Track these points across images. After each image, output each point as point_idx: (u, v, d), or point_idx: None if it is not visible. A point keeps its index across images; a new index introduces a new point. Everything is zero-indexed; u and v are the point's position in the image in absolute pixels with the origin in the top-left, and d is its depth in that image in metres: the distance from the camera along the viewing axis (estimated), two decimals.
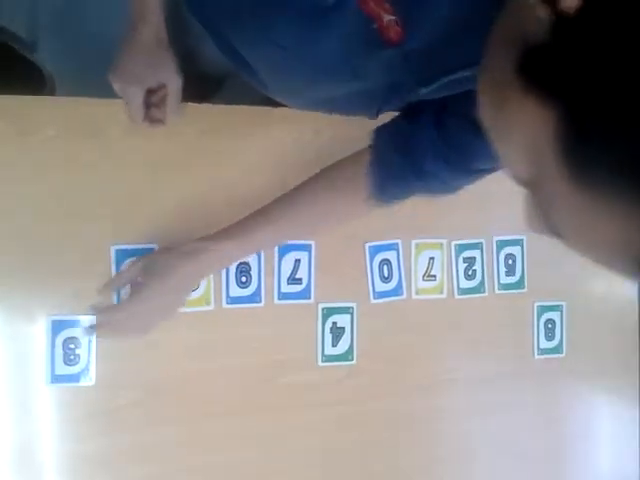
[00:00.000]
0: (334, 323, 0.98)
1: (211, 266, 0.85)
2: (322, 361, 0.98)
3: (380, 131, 0.77)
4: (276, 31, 0.67)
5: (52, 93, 1.22)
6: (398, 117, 0.76)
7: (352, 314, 0.99)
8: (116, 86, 0.83)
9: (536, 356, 1.12)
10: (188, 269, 0.80)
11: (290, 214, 0.83)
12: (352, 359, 1.00)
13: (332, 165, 0.84)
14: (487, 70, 0.41)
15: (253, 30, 0.70)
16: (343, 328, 0.99)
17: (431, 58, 0.60)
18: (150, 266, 0.81)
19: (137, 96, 0.83)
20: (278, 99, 0.88)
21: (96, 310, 0.85)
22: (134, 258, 0.87)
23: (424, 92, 0.64)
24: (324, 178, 0.84)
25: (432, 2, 0.54)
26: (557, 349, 1.13)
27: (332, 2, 0.58)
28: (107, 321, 0.83)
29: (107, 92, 0.88)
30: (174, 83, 0.83)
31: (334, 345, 0.98)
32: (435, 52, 0.59)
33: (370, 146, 0.78)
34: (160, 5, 0.78)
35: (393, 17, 0.57)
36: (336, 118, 0.96)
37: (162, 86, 0.84)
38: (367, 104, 0.75)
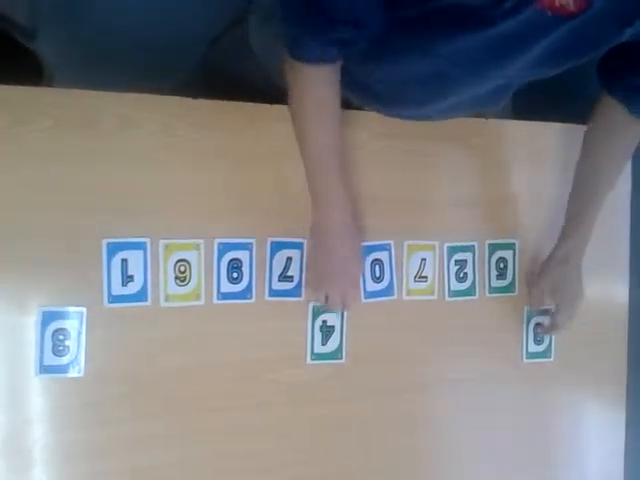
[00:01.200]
0: (324, 321, 0.99)
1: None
2: (311, 359, 0.98)
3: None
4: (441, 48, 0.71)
5: (50, 83, 1.22)
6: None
7: (342, 313, 1.00)
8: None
9: (524, 360, 1.12)
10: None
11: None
12: (341, 358, 1.00)
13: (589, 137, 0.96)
14: None
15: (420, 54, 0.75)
16: (333, 327, 0.99)
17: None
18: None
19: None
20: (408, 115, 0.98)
21: None
22: None
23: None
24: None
25: None
26: (545, 353, 1.13)
27: (508, 7, 0.61)
28: None
29: (107, 83, 0.88)
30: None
31: (324, 343, 0.99)
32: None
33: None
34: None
35: None
36: None
37: None
38: (505, 95, 0.86)
